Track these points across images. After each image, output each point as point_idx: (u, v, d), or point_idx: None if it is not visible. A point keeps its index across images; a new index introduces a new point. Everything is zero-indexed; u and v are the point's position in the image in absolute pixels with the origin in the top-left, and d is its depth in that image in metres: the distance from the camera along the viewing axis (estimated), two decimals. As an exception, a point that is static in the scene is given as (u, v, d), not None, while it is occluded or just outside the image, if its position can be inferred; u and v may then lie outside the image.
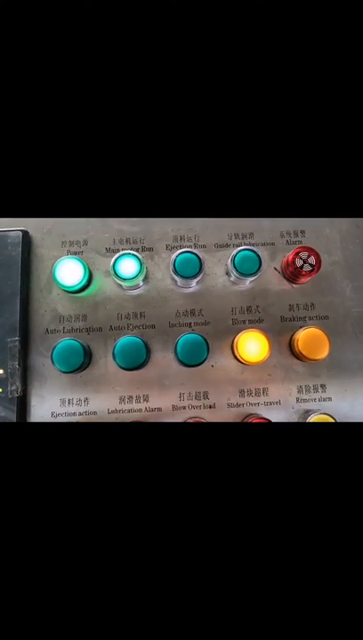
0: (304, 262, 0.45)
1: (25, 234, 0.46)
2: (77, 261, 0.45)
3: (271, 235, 0.49)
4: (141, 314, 0.47)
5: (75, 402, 0.45)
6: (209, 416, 0.45)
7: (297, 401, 0.46)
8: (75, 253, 0.47)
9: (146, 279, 0.47)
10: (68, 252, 0.47)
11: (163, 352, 0.46)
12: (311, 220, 0.49)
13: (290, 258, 0.46)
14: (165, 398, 0.45)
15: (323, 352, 0.44)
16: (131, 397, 0.45)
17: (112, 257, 0.44)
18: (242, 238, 0.49)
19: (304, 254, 0.45)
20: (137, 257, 0.44)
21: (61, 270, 0.44)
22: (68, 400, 0.45)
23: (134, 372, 0.45)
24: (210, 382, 0.46)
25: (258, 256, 0.45)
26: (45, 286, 0.46)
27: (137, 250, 0.47)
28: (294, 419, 0.46)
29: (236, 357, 0.46)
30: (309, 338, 0.45)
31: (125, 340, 0.44)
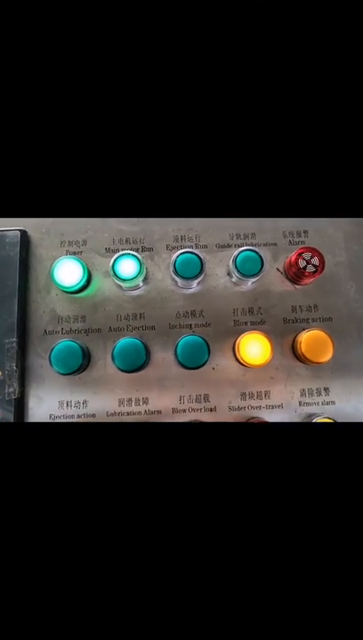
0: (307, 263, 0.44)
1: (23, 233, 0.46)
2: (76, 261, 0.44)
3: (274, 235, 0.48)
4: (140, 315, 0.46)
5: (73, 404, 0.44)
6: (210, 419, 0.44)
7: (300, 404, 0.45)
8: (74, 253, 0.47)
9: (146, 280, 0.46)
10: (67, 252, 0.47)
11: (163, 354, 0.45)
12: (315, 219, 0.49)
13: (293, 258, 0.45)
14: (164, 401, 0.45)
15: (326, 355, 0.44)
16: (130, 400, 0.45)
17: (112, 257, 0.44)
18: (244, 238, 0.48)
19: (307, 255, 0.44)
20: (137, 257, 0.44)
21: (60, 270, 0.44)
22: (67, 402, 0.44)
23: (134, 375, 0.44)
24: (211, 385, 0.45)
25: (260, 257, 0.44)
26: (44, 287, 0.46)
27: (137, 250, 0.46)
28: (296, 422, 0.45)
29: (237, 360, 0.45)
30: (312, 340, 0.44)
31: (124, 341, 0.43)
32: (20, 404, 0.44)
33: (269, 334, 0.44)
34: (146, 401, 0.45)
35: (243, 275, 0.44)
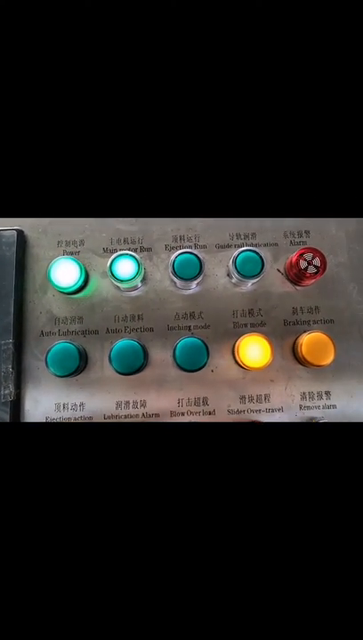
0: (309, 264, 0.44)
1: (20, 233, 0.45)
2: (73, 262, 0.44)
3: (274, 235, 0.47)
4: (138, 316, 0.45)
5: (70, 406, 0.44)
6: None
7: (300, 408, 0.44)
8: (71, 253, 0.46)
9: (144, 280, 0.46)
10: (64, 252, 0.46)
11: (161, 356, 0.45)
12: (316, 219, 0.48)
13: (294, 259, 0.44)
14: (163, 404, 0.44)
15: (328, 357, 0.43)
16: (128, 402, 0.44)
17: (109, 257, 0.43)
18: (244, 239, 0.47)
19: (309, 255, 0.44)
20: (135, 257, 0.43)
21: (57, 271, 0.43)
22: (63, 405, 0.44)
23: (131, 377, 0.44)
24: (210, 388, 0.44)
25: (260, 257, 0.44)
26: (40, 287, 0.45)
27: (135, 250, 0.46)
28: (296, 426, 0.44)
29: (237, 362, 0.44)
30: (313, 343, 0.43)
31: (121, 343, 0.43)
32: (16, 406, 0.43)
33: (269, 336, 0.43)
34: (144, 404, 0.44)
35: (243, 275, 0.43)
